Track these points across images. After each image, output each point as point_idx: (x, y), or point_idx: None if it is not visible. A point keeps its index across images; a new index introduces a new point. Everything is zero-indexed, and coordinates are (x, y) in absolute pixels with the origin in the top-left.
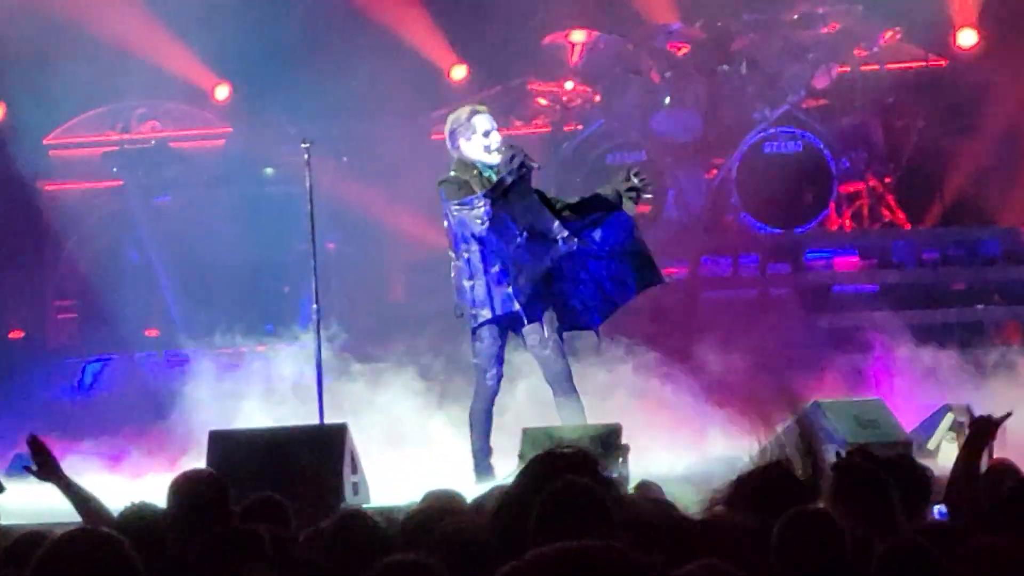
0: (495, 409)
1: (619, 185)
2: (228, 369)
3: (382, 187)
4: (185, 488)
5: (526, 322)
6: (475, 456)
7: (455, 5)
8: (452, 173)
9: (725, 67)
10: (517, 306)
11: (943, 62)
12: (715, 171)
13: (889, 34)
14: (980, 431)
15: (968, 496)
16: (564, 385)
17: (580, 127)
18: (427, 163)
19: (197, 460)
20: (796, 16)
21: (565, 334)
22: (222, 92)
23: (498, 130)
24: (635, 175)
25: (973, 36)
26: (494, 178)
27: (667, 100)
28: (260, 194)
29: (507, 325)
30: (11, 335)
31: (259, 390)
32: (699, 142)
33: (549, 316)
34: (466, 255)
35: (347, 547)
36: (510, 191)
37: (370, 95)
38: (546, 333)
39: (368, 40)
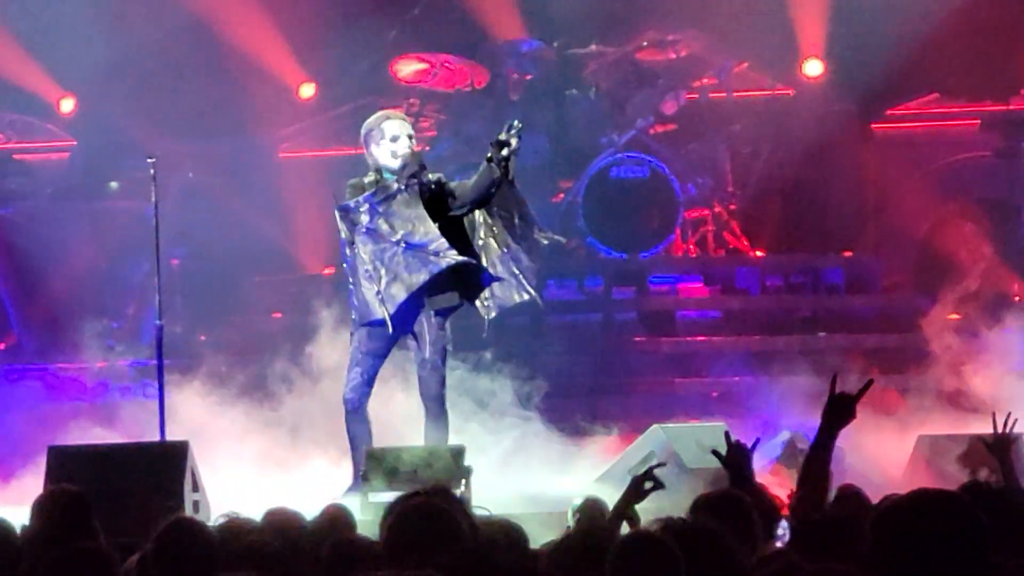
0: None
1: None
2: (69, 385)
3: (229, 204)
4: (49, 506)
5: (390, 331)
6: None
7: (304, 23)
8: (360, 178)
9: (574, 91)
10: (383, 313)
11: (790, 91)
12: (562, 195)
13: (739, 63)
14: (840, 409)
15: (812, 494)
16: (434, 408)
17: (428, 148)
18: (273, 180)
19: (36, 476)
20: (645, 43)
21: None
22: (67, 105)
23: (411, 137)
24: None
25: (819, 66)
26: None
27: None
28: (105, 208)
29: (392, 335)
30: None
31: (100, 406)
32: (546, 165)
33: (433, 335)
34: (350, 258)
35: (179, 564)
36: (393, 198)
37: (218, 111)
38: (426, 354)
39: (217, 56)
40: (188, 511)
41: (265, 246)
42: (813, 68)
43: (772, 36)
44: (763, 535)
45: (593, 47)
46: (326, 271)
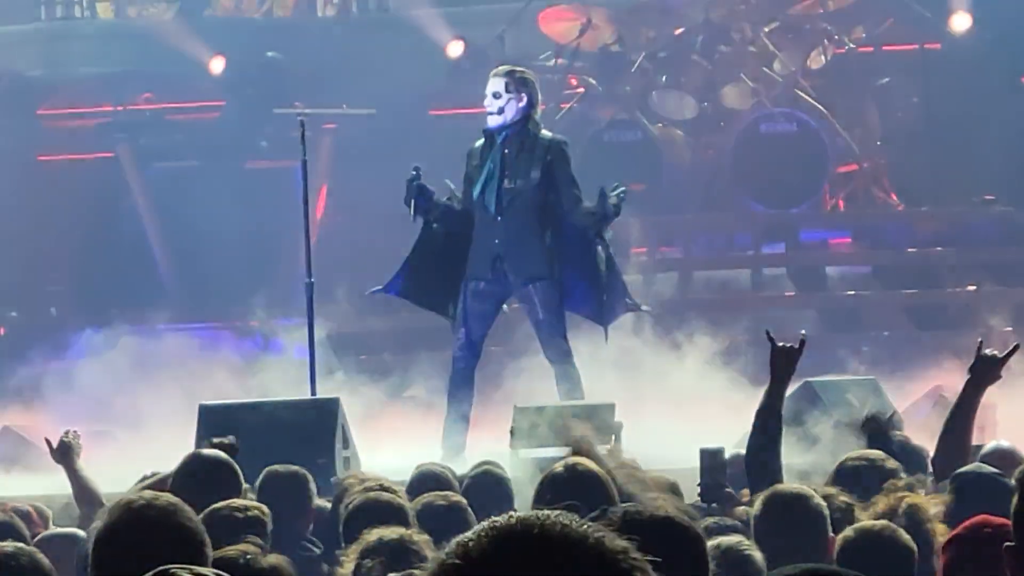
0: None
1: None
2: (221, 341)
3: (377, 162)
4: (195, 466)
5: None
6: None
7: None
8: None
9: (723, 47)
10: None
11: (937, 45)
12: (711, 151)
13: (887, 18)
14: (985, 370)
15: (957, 447)
16: (560, 366)
17: (576, 105)
18: (423, 138)
19: (188, 433)
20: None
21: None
22: (217, 65)
23: (494, 98)
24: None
25: (967, 20)
26: (494, 142)
27: (663, 79)
28: (254, 167)
29: (497, 298)
30: None
31: (250, 363)
32: (695, 122)
33: (542, 296)
34: None
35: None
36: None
37: (367, 70)
38: (540, 315)
39: (364, 16)
40: (339, 467)
41: None
42: (961, 21)
43: None
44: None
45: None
46: None
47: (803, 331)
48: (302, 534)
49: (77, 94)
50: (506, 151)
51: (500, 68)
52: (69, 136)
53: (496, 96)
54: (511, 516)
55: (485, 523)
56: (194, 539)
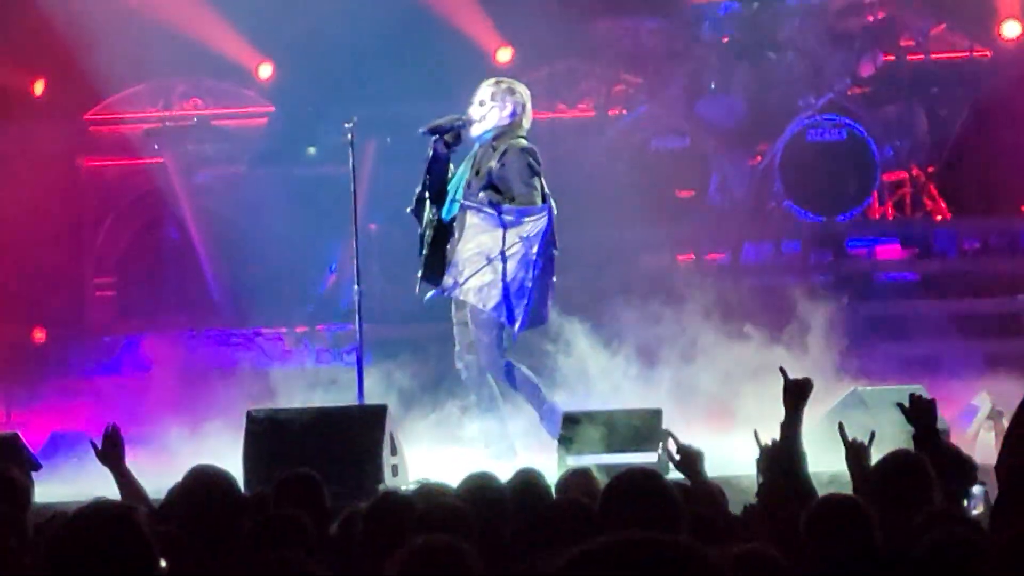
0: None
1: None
2: (268, 349)
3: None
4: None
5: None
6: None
7: None
8: None
9: (771, 54)
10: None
11: (987, 53)
12: (759, 158)
13: (936, 25)
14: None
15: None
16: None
17: (624, 111)
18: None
19: (235, 440)
20: (842, 4)
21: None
22: (265, 71)
23: (479, 105)
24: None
25: (1017, 28)
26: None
27: (712, 86)
28: (302, 174)
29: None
30: (34, 335)
31: (298, 370)
32: (743, 128)
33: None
34: None
35: (382, 528)
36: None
37: (415, 76)
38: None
39: (413, 20)
40: (387, 474)
41: None
42: (1011, 29)
43: None
44: (947, 495)
45: (789, 6)
46: None
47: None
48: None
49: (125, 99)
50: (476, 160)
51: (491, 78)
52: (116, 142)
53: (481, 104)
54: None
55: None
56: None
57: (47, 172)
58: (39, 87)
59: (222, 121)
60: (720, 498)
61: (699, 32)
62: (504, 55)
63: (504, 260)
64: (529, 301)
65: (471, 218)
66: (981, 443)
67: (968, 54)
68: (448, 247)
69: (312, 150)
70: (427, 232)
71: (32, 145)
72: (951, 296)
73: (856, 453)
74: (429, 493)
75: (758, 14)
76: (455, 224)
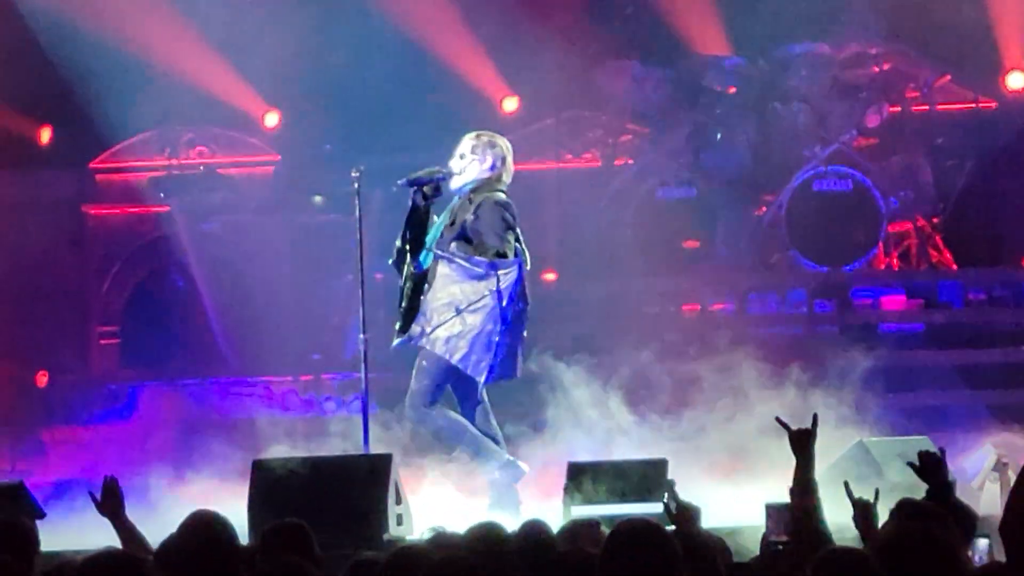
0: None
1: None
2: (273, 398)
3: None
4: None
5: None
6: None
7: (507, 35)
8: None
9: (777, 104)
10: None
11: (993, 104)
12: (764, 208)
13: (941, 76)
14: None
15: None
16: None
17: (630, 161)
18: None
19: (240, 488)
20: (848, 55)
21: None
22: (271, 119)
23: (460, 158)
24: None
25: (1022, 79)
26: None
27: (718, 136)
28: (308, 222)
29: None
30: (37, 378)
31: (304, 419)
32: (749, 178)
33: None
34: None
35: None
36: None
37: (420, 125)
38: None
39: (419, 70)
40: (392, 524)
41: None
42: (1016, 80)
43: (975, 49)
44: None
45: (795, 55)
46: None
47: (815, 412)
48: None
49: (131, 147)
50: (453, 211)
51: (472, 132)
52: (122, 190)
53: (461, 157)
54: None
55: None
56: None
57: (53, 220)
58: (45, 135)
59: (228, 170)
60: (719, 552)
61: (705, 83)
62: (510, 104)
63: (473, 312)
64: (496, 354)
65: (442, 268)
66: (987, 494)
67: (973, 105)
68: (422, 297)
69: (318, 199)
70: (406, 284)
71: (38, 192)
72: (956, 347)
73: (863, 511)
74: (442, 543)
75: (764, 68)
76: (429, 273)
